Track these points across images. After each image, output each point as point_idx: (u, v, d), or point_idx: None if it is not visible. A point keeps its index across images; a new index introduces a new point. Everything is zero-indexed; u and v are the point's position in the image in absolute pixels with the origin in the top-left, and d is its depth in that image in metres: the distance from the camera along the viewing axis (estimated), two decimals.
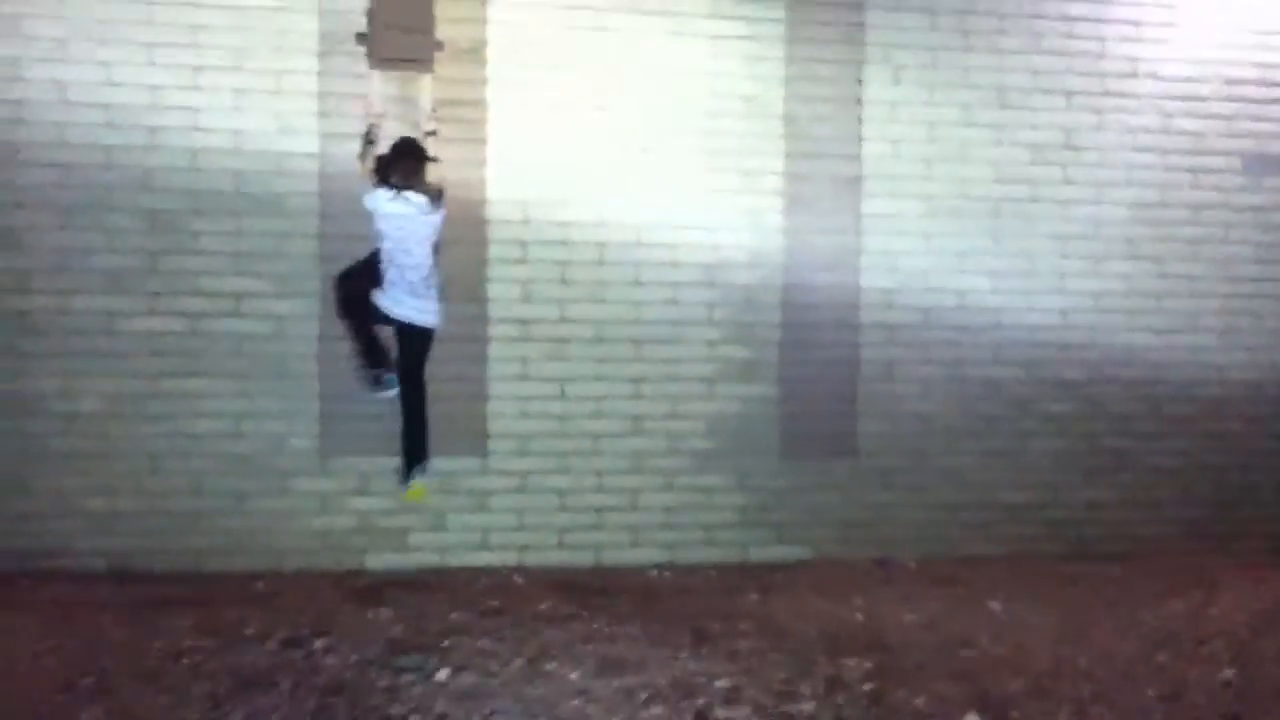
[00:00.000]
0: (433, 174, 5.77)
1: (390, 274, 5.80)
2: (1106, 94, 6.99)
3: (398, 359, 5.99)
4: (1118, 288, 7.07)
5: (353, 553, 6.40)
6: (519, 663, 5.18)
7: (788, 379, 6.75)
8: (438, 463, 6.26)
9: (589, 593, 6.12)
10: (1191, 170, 7.11)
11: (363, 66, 5.98)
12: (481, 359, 6.47)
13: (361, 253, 5.91)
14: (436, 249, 5.87)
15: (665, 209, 6.60)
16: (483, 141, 6.42)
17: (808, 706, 4.84)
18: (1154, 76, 7.03)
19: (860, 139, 6.76)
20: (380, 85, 6.03)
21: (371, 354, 6.02)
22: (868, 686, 5.04)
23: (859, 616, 5.92)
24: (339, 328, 6.04)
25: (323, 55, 6.24)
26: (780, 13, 6.66)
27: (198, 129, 6.18)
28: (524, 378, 6.52)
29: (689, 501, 6.70)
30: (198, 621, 5.51)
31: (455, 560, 6.47)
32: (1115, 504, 7.11)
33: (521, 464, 6.55)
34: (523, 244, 6.48)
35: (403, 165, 5.72)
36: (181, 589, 5.92)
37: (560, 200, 6.50)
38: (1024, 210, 6.94)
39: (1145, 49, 7.02)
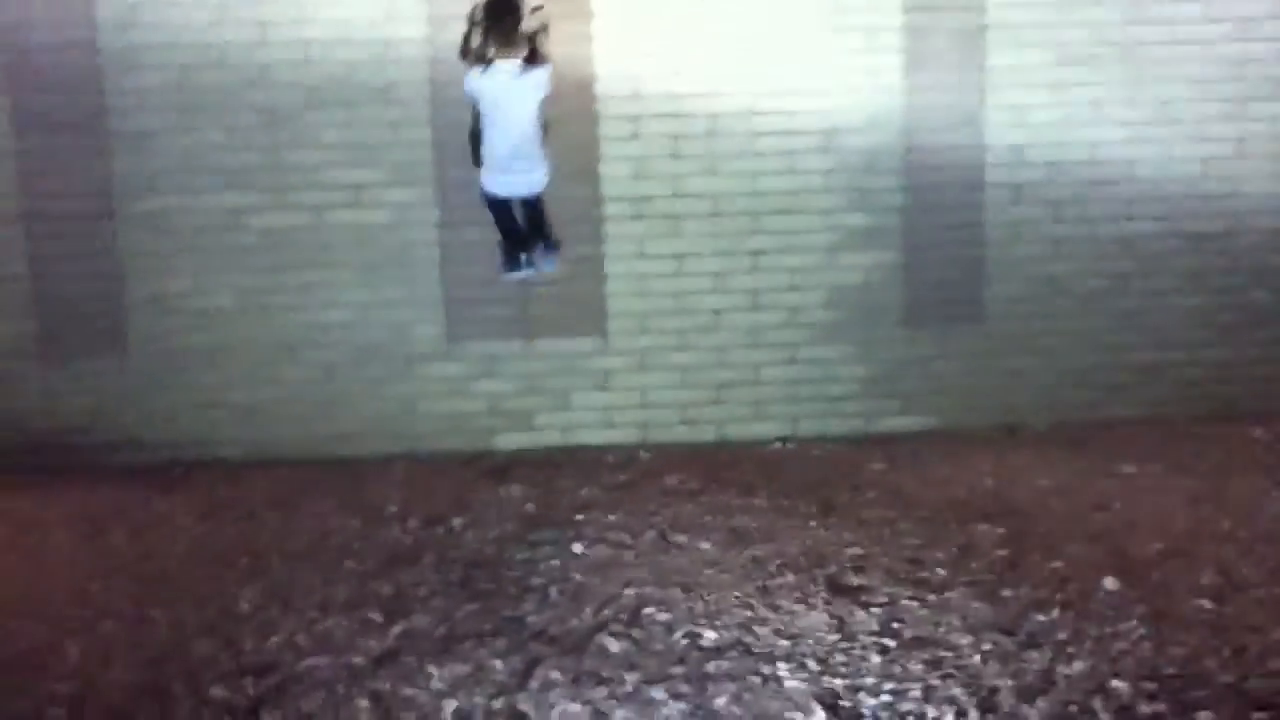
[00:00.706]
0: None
1: (488, 153, 5.76)
2: None
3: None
4: (1263, 131, 6.62)
5: (482, 434, 6.55)
6: (650, 535, 5.29)
7: (910, 245, 6.56)
8: (559, 344, 6.34)
9: (715, 466, 6.17)
10: None
11: None
12: (597, 239, 6.46)
13: None
14: (543, 118, 5.76)
15: (778, 74, 6.38)
16: (589, 15, 6.27)
17: (941, 573, 4.85)
18: None
19: None
20: None
21: (506, 237, 6.07)
22: (1001, 552, 5.01)
23: (989, 483, 5.86)
24: (458, 215, 6.09)
25: None
26: None
27: (305, 20, 6.18)
28: (640, 255, 6.49)
29: (811, 374, 6.64)
30: (341, 503, 5.76)
31: (580, 439, 6.57)
32: (1254, 362, 6.80)
33: (642, 342, 6.56)
34: (634, 118, 6.37)
35: (499, 27, 5.54)
36: (321, 474, 6.17)
37: (671, 71, 6.34)
38: (1161, 54, 6.52)
39: None
